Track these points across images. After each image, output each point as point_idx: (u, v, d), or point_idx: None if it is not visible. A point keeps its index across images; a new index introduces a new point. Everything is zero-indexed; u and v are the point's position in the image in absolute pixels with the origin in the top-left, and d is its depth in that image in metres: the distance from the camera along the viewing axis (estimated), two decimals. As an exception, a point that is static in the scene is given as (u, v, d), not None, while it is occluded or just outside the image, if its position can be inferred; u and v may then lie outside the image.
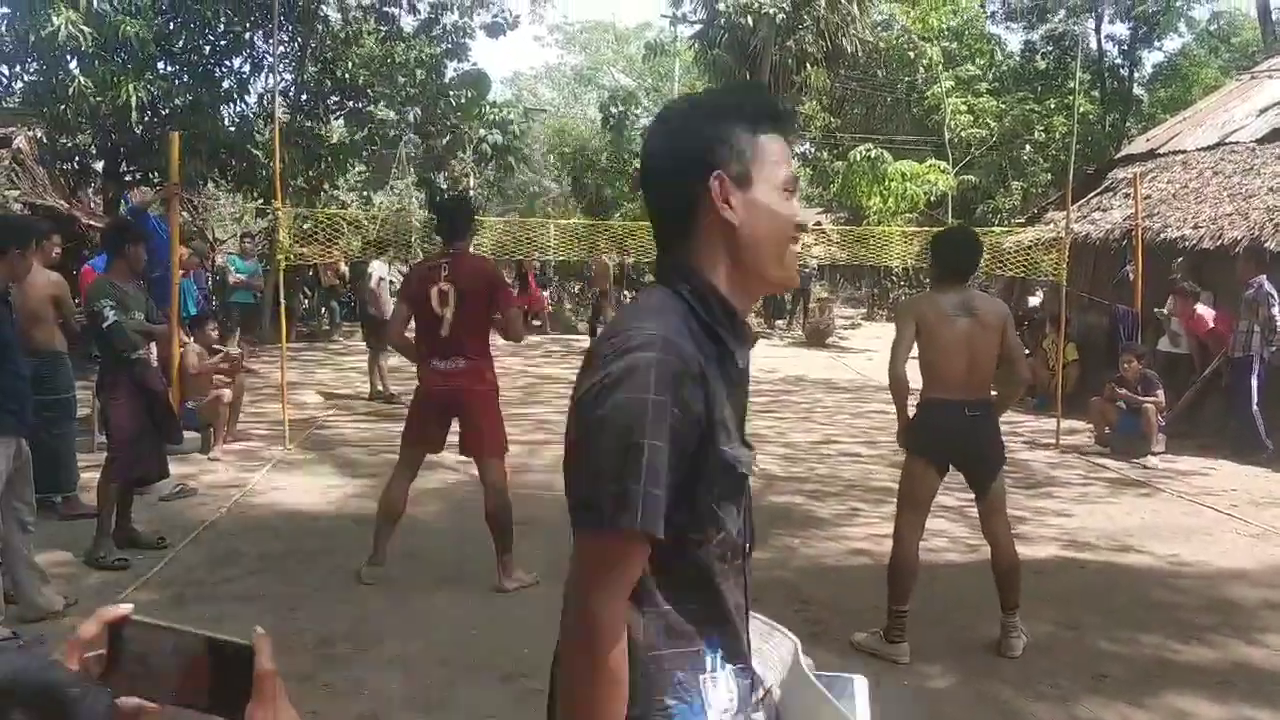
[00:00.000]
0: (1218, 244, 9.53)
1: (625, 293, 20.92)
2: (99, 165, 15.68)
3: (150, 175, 14.30)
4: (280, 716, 0.74)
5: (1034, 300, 14.61)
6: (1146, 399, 8.34)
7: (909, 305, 4.17)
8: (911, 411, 4.17)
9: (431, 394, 4.75)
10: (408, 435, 4.92)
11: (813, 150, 29.25)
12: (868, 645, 4.06)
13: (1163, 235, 10.21)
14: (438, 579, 4.86)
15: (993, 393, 4.18)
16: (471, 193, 22.39)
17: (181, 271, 8.07)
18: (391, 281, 12.02)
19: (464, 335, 4.63)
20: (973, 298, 4.08)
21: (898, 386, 4.10)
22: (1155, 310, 9.71)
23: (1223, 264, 9.48)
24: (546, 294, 20.24)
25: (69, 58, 12.54)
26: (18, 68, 13.16)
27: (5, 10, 12.34)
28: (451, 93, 17.20)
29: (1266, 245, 8.86)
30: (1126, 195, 11.27)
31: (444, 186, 19.35)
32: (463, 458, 5.08)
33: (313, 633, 4.12)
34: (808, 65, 23.70)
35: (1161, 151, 12.86)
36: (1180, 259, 9.84)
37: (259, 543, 5.38)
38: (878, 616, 4.12)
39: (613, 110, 21.58)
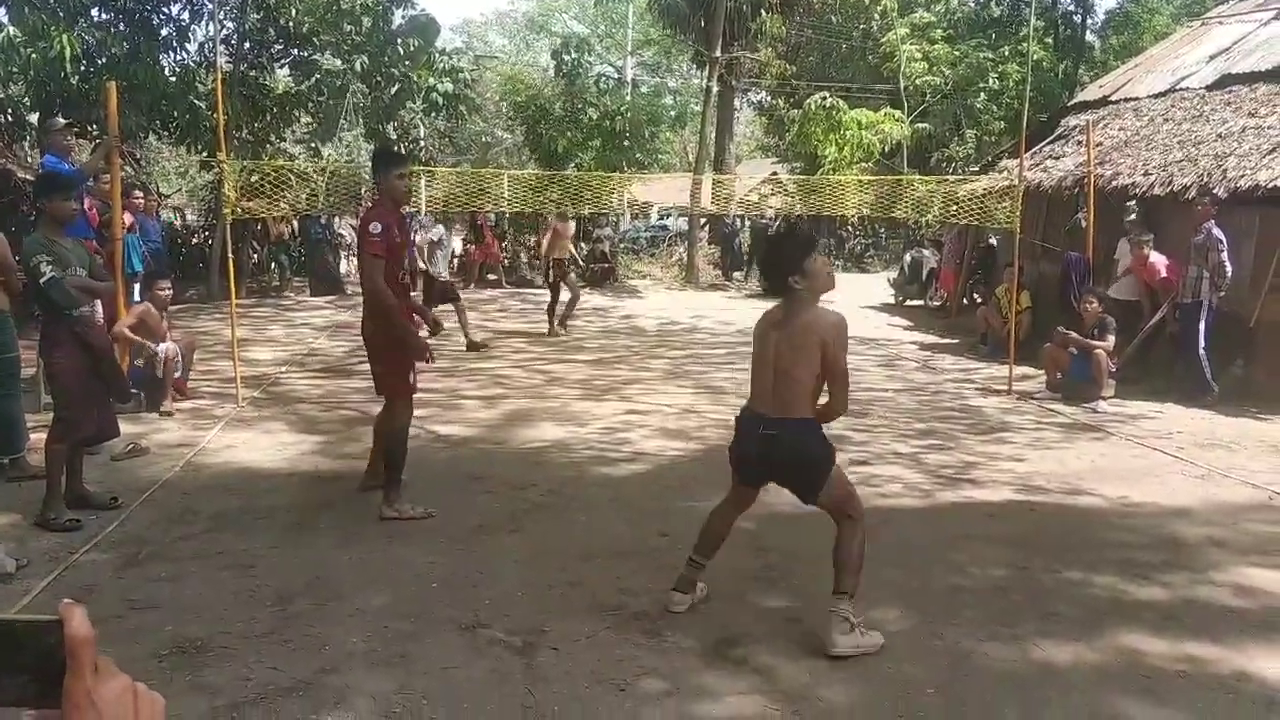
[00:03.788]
0: (1168, 190, 9.65)
1: (582, 244, 20.71)
2: (33, 118, 15.17)
3: (88, 128, 13.84)
4: (101, 685, 0.66)
5: (993, 240, 14.69)
6: (1097, 344, 8.45)
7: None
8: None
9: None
10: None
11: (769, 99, 29.06)
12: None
13: (1114, 182, 10.32)
14: (395, 533, 4.82)
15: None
16: (422, 143, 21.93)
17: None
18: (342, 235, 11.76)
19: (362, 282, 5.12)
20: (794, 312, 3.75)
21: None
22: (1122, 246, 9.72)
23: (1173, 210, 9.60)
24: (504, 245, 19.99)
25: (-3, 6, 12.07)
26: (-58, 17, 12.68)
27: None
28: (399, 40, 16.79)
29: (1215, 191, 8.98)
30: (1079, 143, 11.36)
31: (394, 137, 18.94)
32: (418, 412, 5.09)
33: (270, 589, 4.08)
34: (763, 11, 23.46)
35: (1113, 99, 12.96)
36: (1132, 205, 9.93)
37: (213, 501, 5.31)
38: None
39: (565, 58, 21.15)
